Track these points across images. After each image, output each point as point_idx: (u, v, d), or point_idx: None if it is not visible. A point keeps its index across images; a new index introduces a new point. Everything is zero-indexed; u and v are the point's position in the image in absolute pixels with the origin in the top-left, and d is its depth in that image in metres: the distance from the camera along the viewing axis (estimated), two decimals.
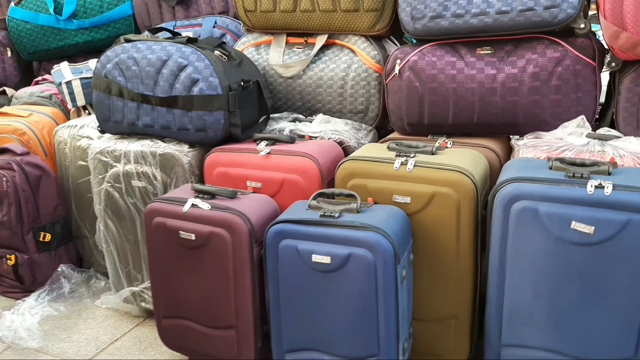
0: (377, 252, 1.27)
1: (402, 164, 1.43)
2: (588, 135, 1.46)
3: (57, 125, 2.16)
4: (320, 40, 1.82)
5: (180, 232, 1.46)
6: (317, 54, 1.83)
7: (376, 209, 1.39)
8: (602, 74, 1.56)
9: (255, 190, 1.60)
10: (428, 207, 1.40)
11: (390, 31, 1.79)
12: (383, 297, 1.30)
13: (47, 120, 2.19)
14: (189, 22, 2.19)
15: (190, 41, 1.70)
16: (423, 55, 1.62)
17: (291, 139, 1.66)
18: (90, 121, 2.03)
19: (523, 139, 1.56)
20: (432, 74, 1.61)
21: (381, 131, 1.88)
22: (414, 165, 1.42)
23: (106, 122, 1.80)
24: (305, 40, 1.87)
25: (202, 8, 2.23)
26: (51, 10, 2.35)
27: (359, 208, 1.36)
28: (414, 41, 1.71)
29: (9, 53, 2.55)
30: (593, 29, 1.52)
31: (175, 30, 2.19)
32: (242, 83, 1.69)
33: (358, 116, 1.82)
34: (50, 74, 2.44)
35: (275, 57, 1.88)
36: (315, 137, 1.73)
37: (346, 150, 1.71)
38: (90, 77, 2.14)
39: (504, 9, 1.49)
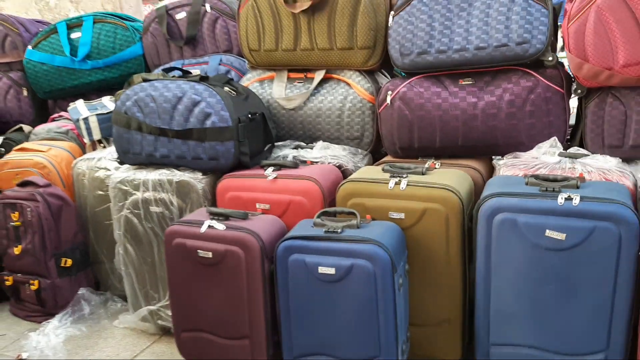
0: (376, 263, 1.43)
1: (396, 183, 1.60)
2: (560, 154, 1.64)
3: (74, 158, 2.32)
4: (319, 75, 2.01)
5: (199, 251, 1.62)
6: (316, 88, 2.01)
7: (374, 224, 1.55)
8: (572, 100, 1.76)
9: (264, 212, 1.76)
10: (420, 221, 1.57)
11: (382, 65, 1.98)
12: (382, 303, 1.45)
13: (64, 154, 2.35)
14: (196, 61, 2.38)
15: (203, 79, 1.88)
16: (411, 86, 1.81)
17: (295, 164, 1.84)
18: (106, 154, 2.20)
19: (503, 158, 1.74)
20: (420, 103, 1.80)
21: (375, 155, 2.05)
22: (407, 185, 1.59)
23: (125, 154, 1.97)
24: (305, 75, 2.06)
25: (208, 47, 2.42)
26: (67, 53, 2.54)
27: (358, 224, 1.52)
28: (403, 74, 1.90)
29: (25, 92, 2.72)
30: (561, 60, 1.71)
31: (184, 68, 2.38)
32: (249, 115, 1.87)
33: (354, 142, 2.00)
34: (64, 111, 2.62)
35: (278, 91, 2.07)
36: (317, 162, 1.90)
37: (345, 173, 1.88)
38: (105, 113, 2.32)
39: (481, 45, 1.69)
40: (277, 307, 1.59)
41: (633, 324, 1.39)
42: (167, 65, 2.36)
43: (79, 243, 2.22)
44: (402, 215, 1.58)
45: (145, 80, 1.93)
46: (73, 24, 2.59)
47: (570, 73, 1.70)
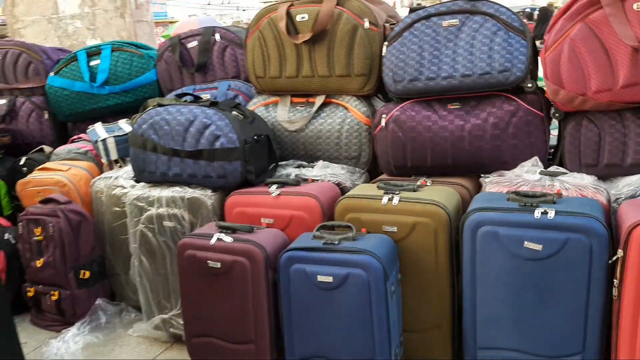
0: (370, 271, 1.57)
1: (389, 199, 1.74)
2: (541, 173, 1.78)
3: (92, 177, 2.48)
4: (319, 100, 2.17)
5: (208, 261, 1.77)
6: (316, 111, 2.17)
7: (369, 237, 1.69)
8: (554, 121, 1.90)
9: (269, 226, 1.91)
10: (411, 234, 1.71)
11: (377, 90, 2.14)
12: (376, 308, 1.59)
13: (83, 173, 2.51)
14: (207, 86, 2.55)
15: (213, 104, 2.05)
16: (404, 110, 1.96)
17: (297, 182, 1.99)
18: (122, 173, 2.36)
19: (489, 176, 1.88)
20: (412, 126, 1.95)
21: (372, 173, 2.20)
22: (399, 201, 1.73)
23: (141, 172, 2.13)
24: (306, 100, 2.22)
25: (217, 73, 2.60)
26: (86, 79, 2.72)
27: (354, 237, 1.66)
28: (397, 99, 2.06)
29: (46, 115, 2.90)
30: (540, 86, 1.87)
31: (195, 93, 2.55)
32: (255, 137, 2.03)
33: (352, 161, 2.15)
34: (83, 133, 2.79)
35: (282, 114, 2.23)
36: (317, 180, 2.05)
37: (343, 190, 2.02)
38: (122, 135, 2.50)
39: (466, 73, 1.84)
40: (280, 313, 1.73)
41: (606, 326, 1.52)
42: (179, 91, 2.53)
43: (97, 256, 2.37)
44: (395, 229, 1.72)
45: (160, 105, 2.10)
46: (92, 52, 2.78)
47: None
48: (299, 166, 2.18)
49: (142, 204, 2.08)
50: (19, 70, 2.91)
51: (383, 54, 2.01)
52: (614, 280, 1.45)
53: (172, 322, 2.14)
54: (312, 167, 2.13)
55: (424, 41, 1.91)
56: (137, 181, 2.19)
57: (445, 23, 1.90)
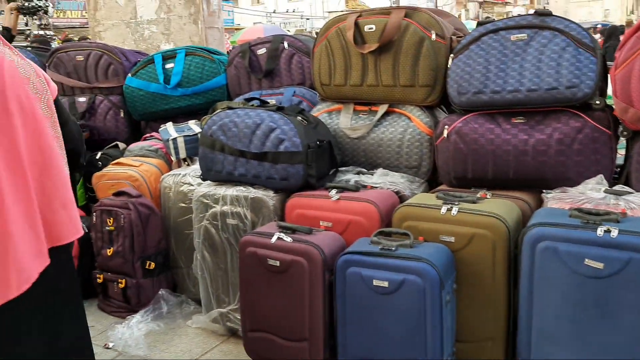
0: (425, 279, 1.59)
1: (448, 209, 1.76)
2: (606, 191, 1.75)
3: (162, 173, 2.62)
4: (382, 109, 2.22)
5: (268, 259, 1.84)
6: (379, 120, 2.22)
7: (426, 245, 1.72)
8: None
9: (327, 229, 1.96)
10: (469, 245, 1.72)
11: (440, 101, 2.17)
12: (430, 316, 1.61)
13: (154, 170, 2.65)
14: (273, 92, 2.64)
15: (279, 109, 2.13)
16: (467, 122, 1.98)
17: (356, 188, 2.03)
18: (190, 171, 2.48)
19: (551, 192, 1.87)
20: (474, 138, 1.96)
21: (431, 183, 2.22)
22: (458, 211, 1.75)
23: (209, 171, 2.24)
24: (369, 108, 2.27)
25: (284, 80, 2.69)
26: (161, 81, 2.88)
27: (411, 244, 1.69)
28: (460, 111, 2.07)
29: (122, 114, 3.08)
30: (609, 103, 1.84)
31: (261, 97, 2.65)
32: (317, 142, 2.09)
33: (412, 170, 2.18)
34: (155, 131, 2.95)
35: (344, 122, 2.29)
36: (376, 187, 2.09)
37: (402, 199, 2.05)
38: (191, 135, 2.62)
39: (533, 87, 1.84)
40: (335, 314, 1.77)
41: None
42: (247, 95, 2.64)
43: (162, 249, 2.50)
44: (452, 239, 1.74)
45: (229, 107, 2.20)
46: (168, 56, 2.93)
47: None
48: (358, 173, 2.22)
49: (207, 201, 2.18)
50: (100, 70, 3.10)
51: (449, 66, 2.03)
52: None
53: (229, 316, 2.23)
54: (372, 175, 2.17)
55: (491, 54, 1.93)
56: (204, 179, 2.29)
57: (513, 37, 1.90)
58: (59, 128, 1.29)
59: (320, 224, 1.98)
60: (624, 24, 11.76)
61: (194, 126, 2.70)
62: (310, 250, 1.77)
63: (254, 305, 1.93)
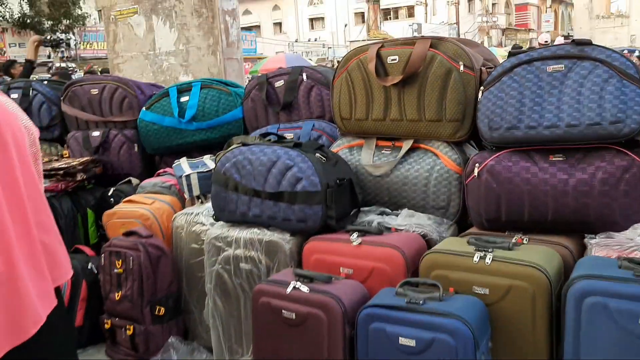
0: (458, 338, 1.42)
1: (481, 257, 1.60)
2: None
3: (175, 211, 2.50)
4: (407, 145, 2.07)
5: (283, 311, 1.68)
6: (403, 156, 2.07)
7: (457, 298, 1.55)
8: None
9: (348, 276, 1.81)
10: (505, 298, 1.55)
11: (470, 137, 2.01)
12: None
13: (166, 207, 2.54)
14: (291, 125, 2.52)
15: (296, 145, 2.00)
16: (500, 160, 1.82)
17: (379, 231, 1.88)
18: (203, 210, 2.35)
19: (595, 237, 1.69)
20: (508, 177, 1.80)
21: (461, 224, 2.05)
22: (492, 260, 1.58)
23: (222, 211, 2.10)
24: (393, 144, 2.13)
25: (302, 113, 2.57)
26: (175, 114, 2.78)
27: (441, 297, 1.53)
28: (492, 148, 1.92)
29: (136, 148, 2.99)
30: None
31: (279, 132, 2.53)
32: (337, 181, 1.95)
33: (440, 211, 2.02)
34: (169, 166, 2.85)
35: (366, 158, 2.15)
36: (401, 230, 1.93)
37: (429, 243, 1.89)
38: (205, 172, 2.50)
39: (573, 122, 1.68)
40: None
41: None
42: (263, 130, 2.52)
43: (173, 292, 2.36)
44: (487, 291, 1.57)
45: (244, 144, 2.07)
46: (183, 89, 2.84)
47: None
48: (382, 213, 2.07)
49: (220, 244, 2.05)
50: (114, 104, 3.03)
51: (479, 99, 1.88)
52: None
53: None
54: (396, 216, 2.01)
55: (525, 87, 1.77)
56: (217, 219, 2.16)
57: (549, 68, 1.75)
58: (41, 166, 1.28)
59: (341, 270, 1.82)
60: None
61: (208, 162, 2.58)
62: (329, 302, 1.62)
63: (269, 358, 1.77)
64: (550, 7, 40.56)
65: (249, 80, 2.81)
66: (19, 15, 16.52)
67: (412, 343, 1.47)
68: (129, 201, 2.60)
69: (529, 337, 1.53)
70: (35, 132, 1.27)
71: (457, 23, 29.73)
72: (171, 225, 2.43)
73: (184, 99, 2.81)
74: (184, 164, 2.61)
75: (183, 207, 2.58)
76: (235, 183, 2.04)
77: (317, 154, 2.00)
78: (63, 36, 4.85)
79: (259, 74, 2.84)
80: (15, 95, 3.27)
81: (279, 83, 2.61)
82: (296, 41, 32.56)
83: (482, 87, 1.89)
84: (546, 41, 10.28)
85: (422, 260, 1.70)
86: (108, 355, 2.44)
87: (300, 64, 10.26)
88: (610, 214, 1.69)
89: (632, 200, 1.66)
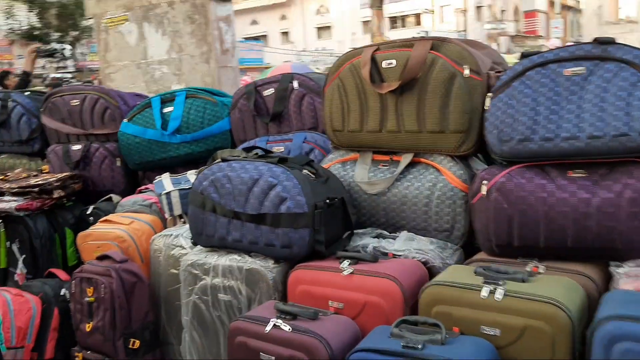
0: None
1: (490, 292, 1.37)
2: None
3: (155, 232, 2.29)
4: (406, 159, 1.84)
5: (261, 353, 1.46)
6: (402, 172, 1.84)
7: (462, 340, 1.32)
8: None
9: (337, 311, 1.58)
10: (519, 341, 1.32)
11: (477, 150, 1.78)
12: None
13: (146, 228, 2.32)
14: (281, 137, 2.31)
15: (281, 160, 1.78)
16: (511, 177, 1.59)
17: (374, 258, 1.65)
18: (184, 231, 2.13)
19: (623, 266, 1.46)
20: (521, 196, 1.57)
21: (467, 248, 1.82)
22: (504, 295, 1.35)
23: (199, 235, 1.89)
24: (390, 158, 1.90)
25: (294, 124, 2.35)
26: (158, 126, 2.58)
27: (444, 339, 1.29)
28: (502, 162, 1.69)
29: (118, 163, 2.79)
30: None
31: (268, 144, 2.31)
32: (327, 201, 1.73)
33: (443, 234, 1.79)
34: (152, 182, 2.64)
35: (360, 174, 1.92)
36: (399, 256, 1.71)
37: (431, 271, 1.66)
38: (187, 189, 2.28)
39: (596, 134, 1.45)
40: None
41: None
42: (250, 143, 2.31)
43: (149, 323, 2.13)
44: (497, 332, 1.34)
45: (223, 160, 1.86)
46: (167, 99, 2.64)
47: None
48: (378, 236, 1.85)
49: (196, 272, 1.83)
50: (95, 115, 2.83)
51: (486, 107, 1.66)
52: None
53: None
54: (394, 239, 1.78)
55: (540, 92, 1.55)
56: (194, 244, 1.94)
57: (567, 71, 1.52)
58: None
59: (329, 304, 1.60)
60: None
61: (192, 177, 2.36)
62: (313, 343, 1.39)
63: None
64: (559, 13, 40.23)
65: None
66: (28, 27, 16.51)
67: None
68: (106, 221, 2.39)
69: None
70: None
71: (465, 30, 29.52)
72: (150, 248, 2.21)
73: (167, 109, 2.61)
74: (165, 180, 2.40)
75: (165, 227, 2.37)
76: (213, 204, 1.82)
77: (305, 170, 1.78)
78: (58, 46, 4.67)
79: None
80: None
81: (269, 92, 2.40)
82: (303, 50, 32.47)
83: (490, 94, 1.66)
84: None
85: (421, 293, 1.47)
86: None
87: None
88: None
89: None
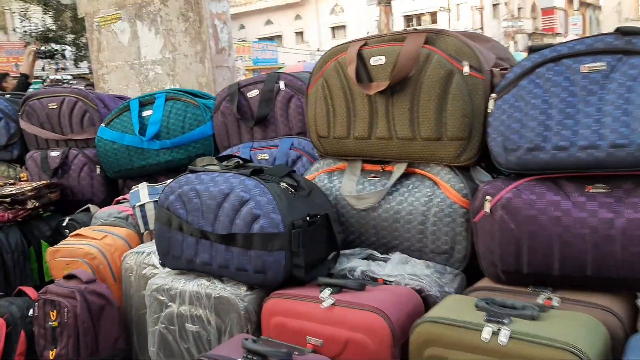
0: None
1: (493, 333, 1.14)
2: None
3: (130, 247, 2.09)
4: (399, 170, 1.61)
5: None
6: (394, 184, 1.61)
7: None
8: None
9: (316, 349, 1.36)
10: None
11: (479, 160, 1.55)
12: None
13: (120, 243, 2.12)
14: (266, 144, 2.09)
15: (255, 172, 1.56)
16: (519, 192, 1.35)
17: (361, 285, 1.42)
18: None
19: None
20: (531, 215, 1.33)
21: (470, 271, 1.58)
22: (510, 337, 1.12)
23: (165, 256, 1.68)
24: (382, 168, 1.67)
25: (280, 129, 2.13)
26: (136, 131, 2.38)
27: None
28: (508, 174, 1.45)
29: (98, 170, 2.60)
30: None
31: (252, 151, 2.10)
32: (308, 218, 1.51)
33: (442, 257, 1.55)
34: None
35: (348, 187, 1.69)
36: (390, 282, 1.48)
37: (426, 300, 1.43)
38: None
39: (619, 142, 1.21)
40: None
41: None
42: (228, 151, 2.10)
43: (120, 350, 1.94)
44: None
45: (191, 171, 1.65)
46: (146, 102, 2.44)
47: None
48: (368, 257, 1.62)
49: (162, 298, 1.62)
50: (74, 119, 2.65)
51: (489, 110, 1.42)
52: None
53: None
54: (385, 262, 1.55)
55: (552, 93, 1.31)
56: (163, 265, 1.74)
57: (584, 68, 1.29)
58: None
59: (307, 341, 1.38)
60: None
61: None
62: None
63: None
64: (578, 10, 39.45)
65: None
66: (43, 29, 16.45)
67: None
68: (77, 235, 2.19)
69: None
70: None
71: (482, 29, 29.05)
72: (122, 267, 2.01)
73: (146, 113, 2.40)
74: (142, 191, 2.20)
75: (141, 242, 2.17)
76: (179, 221, 1.61)
77: (284, 183, 1.56)
78: (58, 47, 4.51)
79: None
80: None
81: (253, 93, 2.18)
82: (318, 50, 32.21)
83: (493, 94, 1.42)
84: None
85: (412, 331, 1.24)
86: None
87: None
88: None
89: None
